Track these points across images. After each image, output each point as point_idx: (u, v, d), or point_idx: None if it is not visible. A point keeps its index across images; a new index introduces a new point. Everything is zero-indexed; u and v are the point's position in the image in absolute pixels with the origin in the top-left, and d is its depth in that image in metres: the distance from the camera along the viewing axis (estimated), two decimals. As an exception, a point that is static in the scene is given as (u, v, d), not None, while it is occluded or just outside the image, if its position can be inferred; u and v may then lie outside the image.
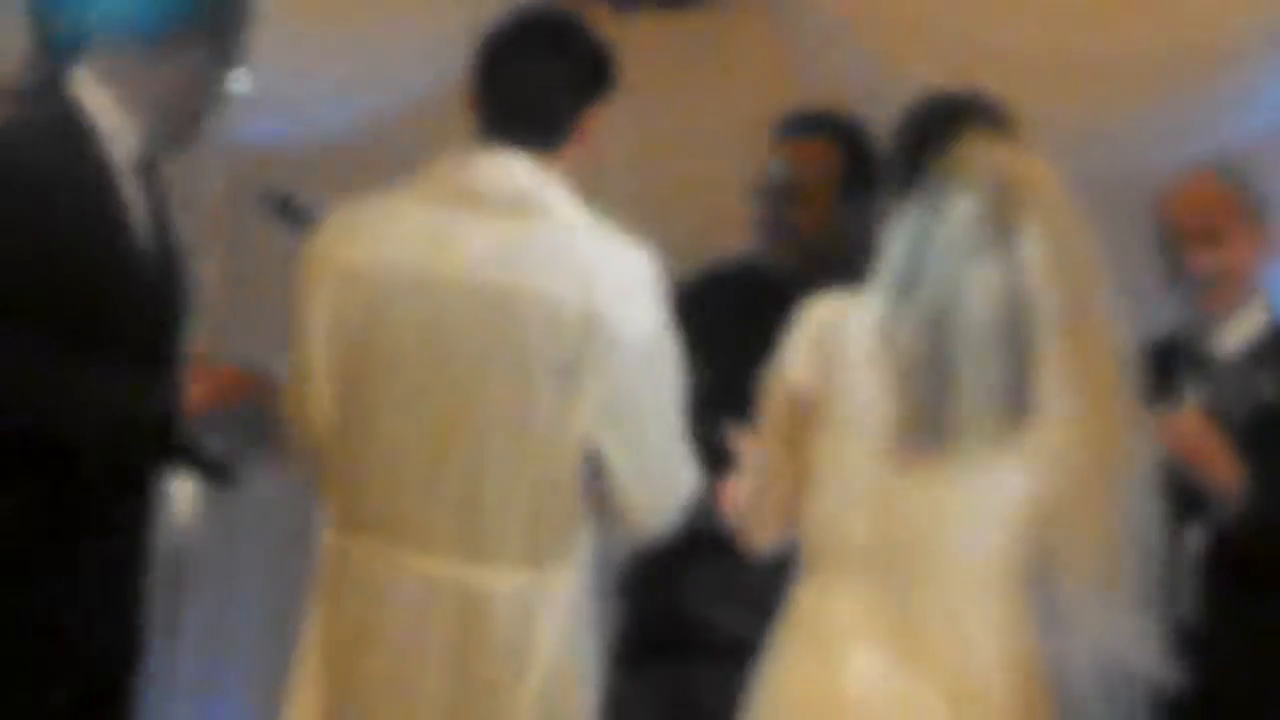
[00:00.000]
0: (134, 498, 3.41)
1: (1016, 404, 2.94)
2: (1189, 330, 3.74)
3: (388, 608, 3.08)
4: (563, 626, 3.09)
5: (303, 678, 3.16)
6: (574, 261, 3.07)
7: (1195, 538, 3.51)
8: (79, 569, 3.29)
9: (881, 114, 3.34)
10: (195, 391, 3.25)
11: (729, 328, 3.68)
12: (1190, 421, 3.48)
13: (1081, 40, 4.14)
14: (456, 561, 3.06)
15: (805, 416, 3.04)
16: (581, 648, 3.13)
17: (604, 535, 3.16)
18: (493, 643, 3.06)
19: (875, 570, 3.00)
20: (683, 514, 3.17)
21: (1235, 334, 3.71)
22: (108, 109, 3.40)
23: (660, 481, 3.12)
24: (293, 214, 3.64)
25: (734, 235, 4.21)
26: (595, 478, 3.08)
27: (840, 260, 3.59)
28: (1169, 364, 3.61)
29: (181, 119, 3.48)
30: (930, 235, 2.96)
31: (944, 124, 3.06)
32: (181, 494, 4.14)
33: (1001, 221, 2.95)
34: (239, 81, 3.53)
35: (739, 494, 3.16)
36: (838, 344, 3.02)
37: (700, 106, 4.48)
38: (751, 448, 3.15)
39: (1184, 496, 3.36)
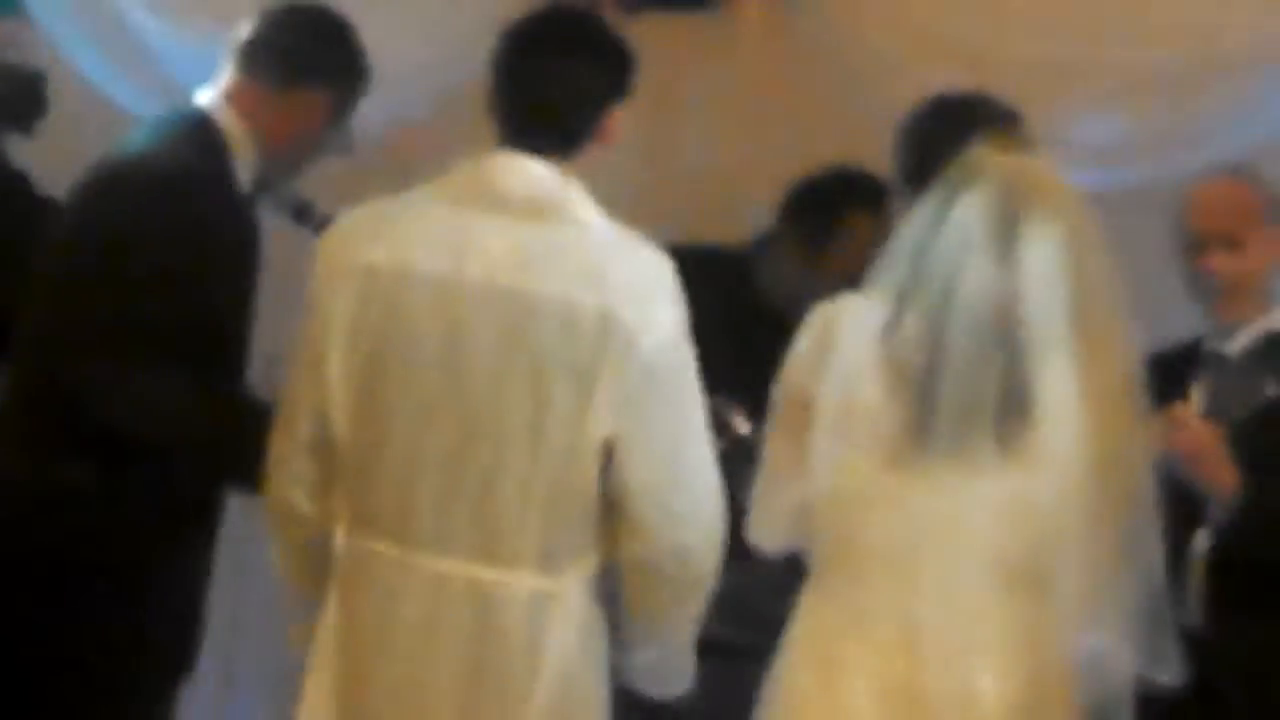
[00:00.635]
0: (218, 497, 3.64)
1: (1015, 407, 2.95)
2: (1210, 336, 3.71)
3: (401, 609, 3.08)
4: (576, 631, 3.09)
5: (314, 678, 3.16)
6: (591, 264, 3.05)
7: (1199, 542, 3.49)
8: (188, 560, 3.58)
9: (890, 117, 3.34)
10: None
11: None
12: (1187, 424, 3.45)
13: (1091, 47, 4.13)
14: (471, 564, 3.06)
15: (813, 420, 3.04)
16: (593, 653, 3.13)
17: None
18: (506, 646, 3.06)
19: (878, 574, 3.02)
20: (715, 530, 3.09)
21: (1246, 337, 3.68)
22: (244, 141, 3.58)
23: (679, 492, 3.06)
24: (308, 218, 3.69)
25: (738, 233, 4.23)
26: (609, 485, 3.05)
27: None
28: (1188, 369, 3.62)
29: (289, 160, 3.67)
30: (936, 238, 2.97)
31: (955, 127, 3.07)
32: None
33: (1007, 226, 2.95)
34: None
35: (753, 494, 3.16)
36: (843, 347, 3.03)
37: (708, 108, 4.48)
38: (767, 445, 3.16)
39: (1187, 501, 3.38)
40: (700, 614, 3.16)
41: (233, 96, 3.64)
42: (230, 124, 3.62)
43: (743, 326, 3.27)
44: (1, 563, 3.52)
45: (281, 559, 3.25)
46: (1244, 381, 3.61)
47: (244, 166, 3.63)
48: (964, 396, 2.94)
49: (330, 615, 3.15)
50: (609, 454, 3.03)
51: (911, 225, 3.01)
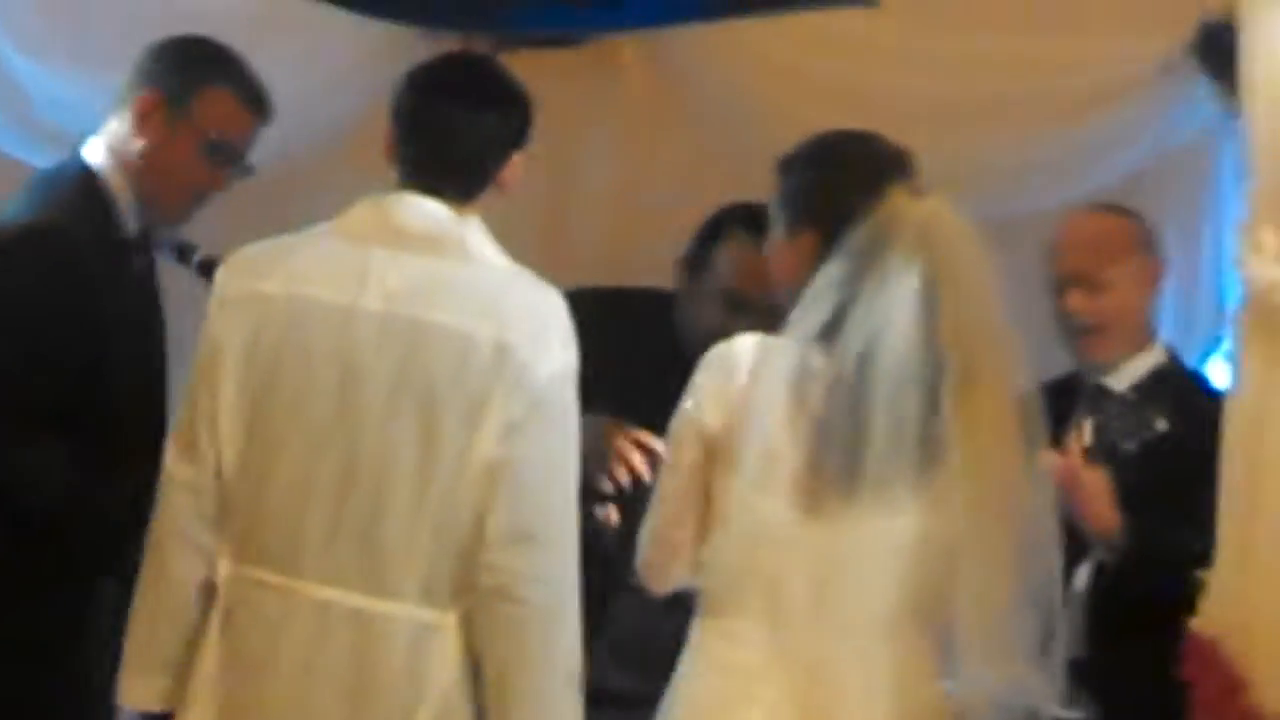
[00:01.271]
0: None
1: (927, 452, 2.98)
2: (1090, 370, 3.75)
3: (284, 638, 3.08)
4: (458, 666, 3.09)
5: (195, 711, 3.13)
6: (489, 297, 3.08)
7: (1081, 577, 3.53)
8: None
9: (766, 154, 3.31)
10: None
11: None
12: (1069, 463, 3.47)
13: (961, 84, 4.17)
14: (355, 594, 3.06)
15: (712, 458, 3.06)
16: (475, 688, 3.11)
17: None
18: (388, 677, 3.06)
19: (778, 614, 3.02)
20: (571, 563, 3.09)
21: (1131, 373, 3.71)
22: (123, 187, 3.53)
23: (541, 515, 3.06)
24: (188, 257, 3.63)
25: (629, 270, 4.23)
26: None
27: None
28: (1070, 402, 3.64)
29: (177, 202, 3.60)
30: (861, 288, 2.98)
31: (871, 175, 3.08)
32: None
33: (925, 276, 2.98)
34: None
35: (646, 530, 3.16)
36: (747, 387, 3.03)
37: (584, 142, 4.47)
38: (662, 482, 3.16)
39: (1072, 536, 3.42)
40: (571, 678, 3.11)
41: (114, 146, 3.59)
42: (112, 173, 3.56)
43: (661, 367, 3.26)
44: None
45: (151, 599, 3.17)
46: (1133, 416, 3.65)
47: (132, 215, 3.57)
48: (881, 442, 2.96)
49: (211, 647, 3.12)
50: (491, 482, 3.03)
51: (833, 272, 3.02)
